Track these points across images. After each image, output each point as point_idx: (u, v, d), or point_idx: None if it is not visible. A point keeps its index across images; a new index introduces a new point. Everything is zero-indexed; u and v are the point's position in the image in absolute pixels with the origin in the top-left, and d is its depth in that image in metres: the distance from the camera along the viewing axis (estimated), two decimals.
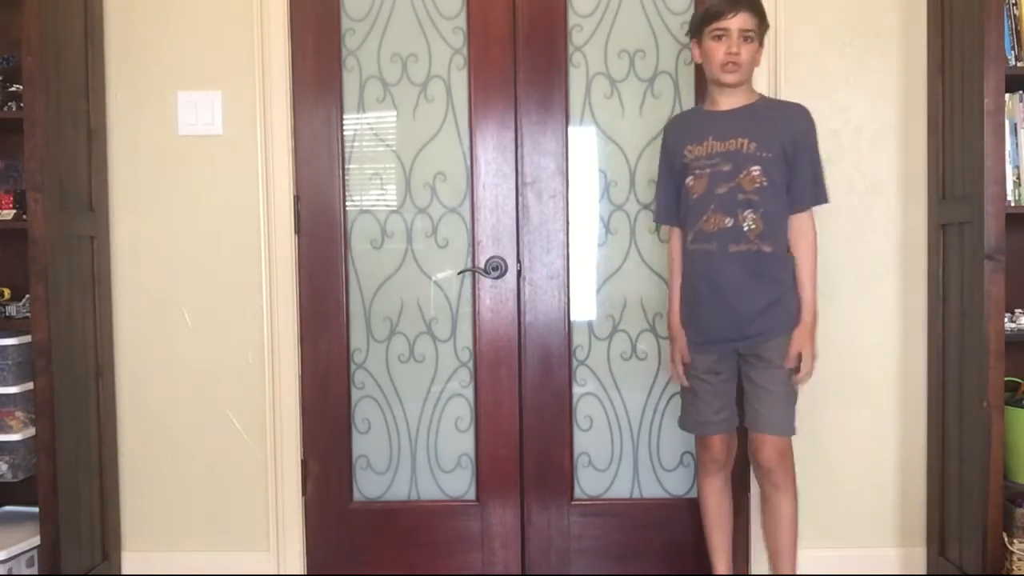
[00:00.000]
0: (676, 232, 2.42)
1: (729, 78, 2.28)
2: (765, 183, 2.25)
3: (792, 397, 2.33)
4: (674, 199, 2.39)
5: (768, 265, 2.28)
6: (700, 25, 2.30)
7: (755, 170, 2.25)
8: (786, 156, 2.28)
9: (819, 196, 2.33)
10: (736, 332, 2.30)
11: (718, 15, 2.25)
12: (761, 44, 2.31)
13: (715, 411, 2.36)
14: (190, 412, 2.74)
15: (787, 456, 2.34)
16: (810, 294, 2.32)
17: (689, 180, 2.31)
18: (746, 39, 2.25)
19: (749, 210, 2.25)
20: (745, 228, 2.25)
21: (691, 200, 2.31)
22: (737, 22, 2.24)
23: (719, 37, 2.26)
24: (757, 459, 2.33)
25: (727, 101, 2.33)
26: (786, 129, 2.29)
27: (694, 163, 2.31)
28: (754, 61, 2.31)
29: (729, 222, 2.26)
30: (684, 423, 2.46)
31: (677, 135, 2.40)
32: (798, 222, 2.31)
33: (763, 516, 2.44)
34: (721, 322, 2.31)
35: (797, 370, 2.31)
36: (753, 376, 2.31)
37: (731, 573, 2.48)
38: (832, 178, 2.64)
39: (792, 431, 2.32)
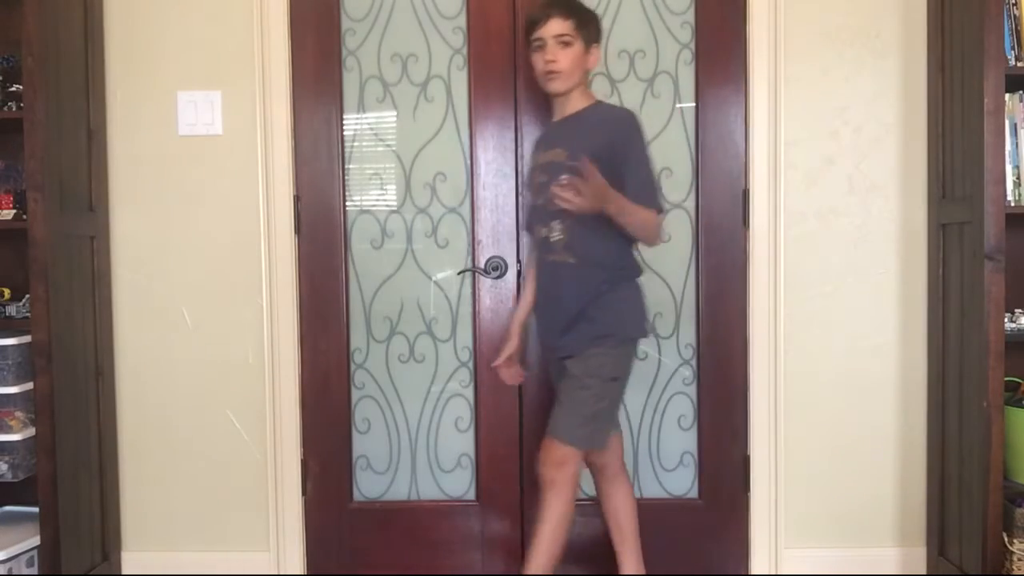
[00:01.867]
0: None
1: (552, 86, 2.26)
2: None
3: (581, 413, 2.21)
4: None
5: (572, 278, 2.24)
6: (526, 36, 2.30)
7: (564, 180, 2.15)
8: (605, 163, 2.11)
9: (649, 203, 2.21)
10: (549, 340, 2.34)
11: (533, 25, 2.24)
12: (588, 46, 2.25)
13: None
14: (190, 412, 2.74)
15: (555, 459, 2.21)
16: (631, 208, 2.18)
17: (530, 190, 2.39)
18: (564, 44, 2.21)
19: (556, 221, 2.24)
20: (553, 239, 2.26)
21: (532, 209, 2.40)
22: (550, 29, 2.21)
23: (539, 47, 2.24)
24: (539, 468, 2.25)
25: (561, 110, 2.32)
26: (602, 137, 2.21)
27: (532, 173, 2.37)
28: (580, 66, 2.25)
29: (544, 231, 2.28)
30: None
31: (535, 144, 2.45)
32: None
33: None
34: (544, 328, 2.36)
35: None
36: (556, 385, 2.34)
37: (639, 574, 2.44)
38: (832, 178, 2.66)
39: (567, 437, 2.20)
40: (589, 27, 2.26)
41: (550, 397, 2.73)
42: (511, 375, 2.47)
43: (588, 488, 2.78)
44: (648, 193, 2.23)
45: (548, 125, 2.40)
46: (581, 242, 2.24)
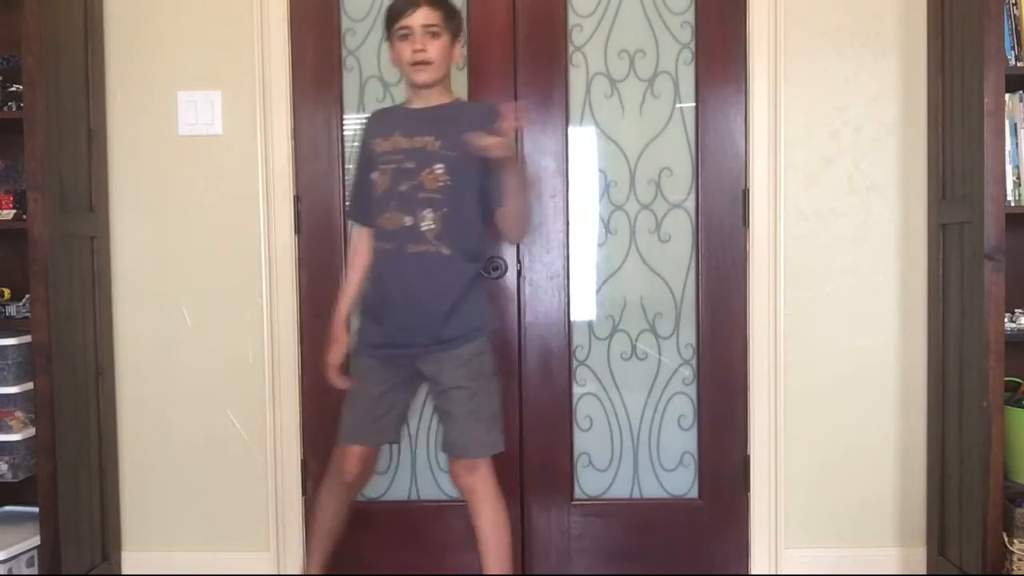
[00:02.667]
0: (359, 232, 2.33)
1: (419, 77, 2.19)
2: (448, 182, 2.16)
3: (476, 417, 2.20)
4: (368, 197, 2.27)
5: (445, 269, 2.18)
6: (387, 26, 2.23)
7: (438, 168, 2.16)
8: (475, 157, 2.11)
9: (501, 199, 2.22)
10: (403, 339, 2.20)
11: (399, 13, 2.18)
12: (455, 40, 2.23)
13: (372, 420, 2.26)
14: (190, 412, 2.74)
15: (477, 474, 2.22)
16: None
17: (374, 175, 2.23)
18: (432, 35, 2.17)
19: (429, 209, 2.16)
20: (423, 228, 2.15)
21: (374, 196, 2.22)
22: (419, 18, 2.16)
23: (405, 36, 2.18)
24: (456, 484, 2.27)
25: (420, 100, 2.25)
26: (474, 129, 2.14)
27: (380, 158, 2.22)
28: (448, 58, 2.22)
29: (409, 220, 2.16)
30: (340, 427, 2.29)
31: (372, 129, 2.31)
32: (501, 213, 2.23)
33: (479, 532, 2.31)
34: (395, 326, 2.21)
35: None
36: (437, 402, 2.26)
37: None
38: (832, 178, 2.66)
39: (482, 452, 2.21)
40: (454, 20, 2.23)
41: (550, 397, 2.74)
42: (342, 378, 2.32)
43: (589, 488, 2.78)
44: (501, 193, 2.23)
45: (401, 111, 2.29)
46: (455, 232, 2.17)
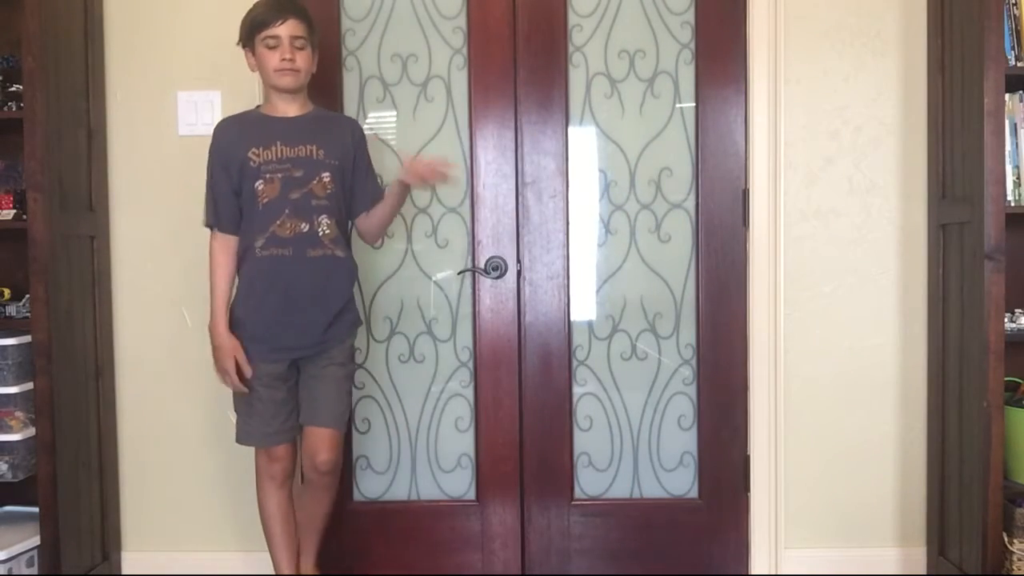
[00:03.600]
0: (228, 239, 2.32)
1: (285, 81, 2.27)
2: (333, 189, 2.30)
3: (349, 394, 2.42)
4: (234, 203, 2.31)
5: (339, 271, 2.33)
6: (250, 34, 2.29)
7: (325, 176, 2.29)
8: (348, 165, 2.34)
9: (378, 194, 2.41)
10: (308, 339, 2.31)
11: (265, 23, 2.25)
12: (315, 51, 2.33)
13: (283, 420, 2.33)
14: (190, 412, 2.74)
15: (336, 450, 2.36)
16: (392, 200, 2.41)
17: (259, 185, 2.27)
18: (299, 47, 2.27)
19: (324, 215, 2.28)
20: (320, 233, 2.28)
21: (261, 204, 2.27)
22: (287, 29, 2.25)
23: (272, 46, 2.26)
24: (314, 459, 2.33)
25: (288, 108, 2.33)
26: (346, 139, 2.36)
27: (264, 167, 2.27)
28: (310, 68, 2.32)
29: (306, 227, 2.27)
30: (247, 435, 2.35)
31: (235, 138, 2.32)
32: (364, 216, 2.40)
33: (301, 509, 2.44)
34: (294, 329, 2.29)
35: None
36: (312, 372, 2.33)
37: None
38: (832, 178, 2.67)
39: (343, 425, 2.37)
40: (316, 34, 2.33)
41: (550, 397, 2.74)
42: (237, 383, 2.31)
43: (588, 488, 2.78)
44: (378, 185, 2.45)
45: (266, 119, 2.33)
46: (342, 236, 2.35)
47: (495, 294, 2.73)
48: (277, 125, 2.31)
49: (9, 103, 2.49)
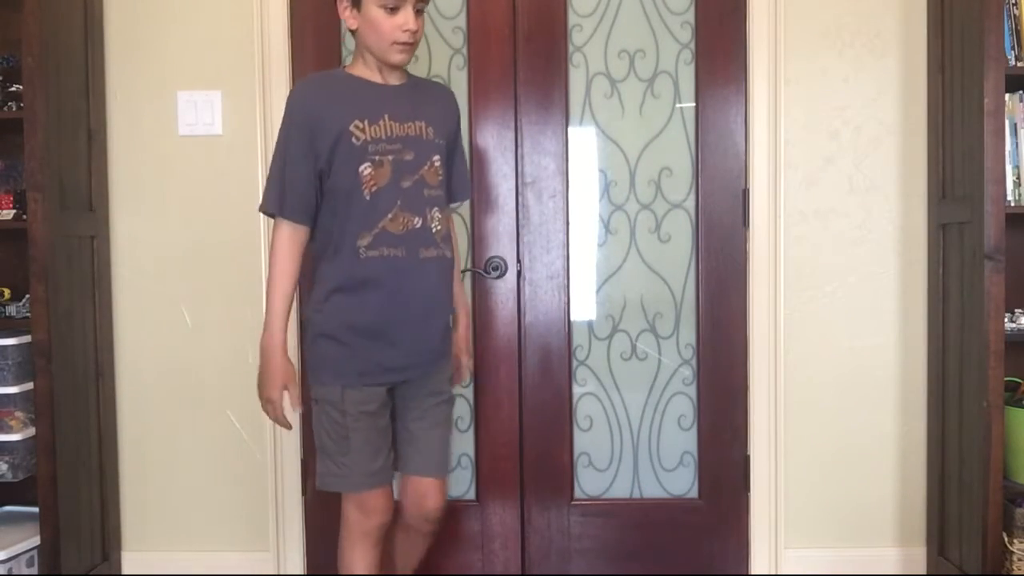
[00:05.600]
0: (298, 231, 1.91)
1: (402, 58, 1.88)
2: (442, 176, 1.94)
3: (450, 431, 2.06)
4: (313, 190, 1.88)
5: (450, 273, 1.98)
6: None
7: (436, 160, 1.91)
8: (448, 146, 1.98)
9: (466, 194, 2.10)
10: (417, 358, 1.93)
11: None
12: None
13: (385, 457, 1.94)
14: (190, 412, 2.74)
15: (444, 498, 2.03)
16: (464, 297, 2.08)
17: (365, 168, 1.84)
18: (418, 12, 1.87)
19: (436, 208, 1.90)
20: (433, 229, 1.89)
21: (367, 194, 1.84)
22: None
23: (394, 9, 1.83)
24: (423, 509, 2.00)
25: (392, 75, 1.93)
26: (449, 114, 2.00)
27: (371, 146, 1.84)
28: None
29: (418, 222, 1.87)
30: (342, 479, 1.92)
31: (329, 104, 1.87)
32: (451, 217, 2.07)
33: (402, 556, 2.12)
34: (404, 347, 1.90)
35: (459, 377, 2.09)
36: (418, 413, 1.97)
37: None
38: (832, 178, 2.67)
39: (448, 472, 2.10)
40: None
41: (550, 397, 2.74)
42: (281, 414, 1.92)
43: (588, 488, 2.78)
44: (468, 183, 2.14)
45: (368, 86, 1.92)
46: (450, 234, 2.00)
47: (495, 294, 2.73)
48: (384, 94, 1.89)
49: (9, 103, 2.49)
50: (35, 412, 2.43)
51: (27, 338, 2.46)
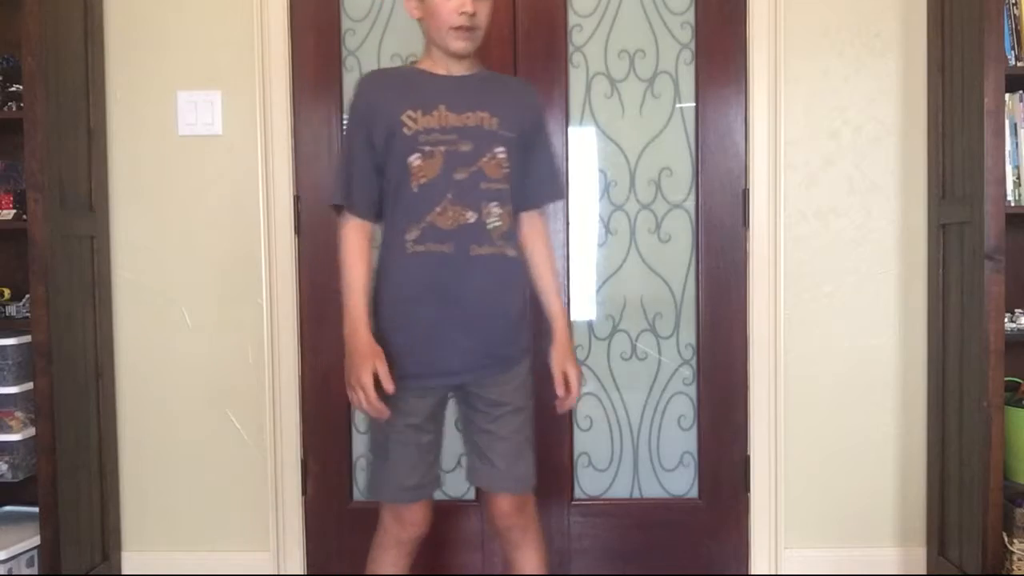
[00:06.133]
0: (364, 225, 1.87)
1: (463, 45, 1.81)
2: (508, 170, 1.83)
3: (530, 443, 1.93)
4: (374, 183, 1.84)
5: (512, 274, 1.87)
6: None
7: (500, 152, 1.81)
8: (523, 141, 1.87)
9: (559, 191, 2.02)
10: (469, 362, 1.83)
11: None
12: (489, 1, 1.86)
13: (425, 471, 1.89)
14: (190, 412, 2.74)
15: (526, 510, 1.93)
16: (560, 305, 1.93)
17: (414, 159, 1.78)
18: None
19: (495, 203, 1.80)
20: (489, 226, 1.80)
21: (415, 186, 1.79)
22: None
23: None
24: (493, 520, 1.94)
25: (456, 66, 1.86)
26: (524, 107, 1.91)
27: (422, 136, 1.78)
28: (488, 24, 1.84)
29: (472, 216, 1.79)
30: (377, 488, 1.90)
31: (386, 95, 1.84)
32: (533, 220, 1.94)
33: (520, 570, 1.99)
34: (453, 350, 1.82)
35: (565, 391, 1.92)
36: (484, 424, 1.89)
37: None
38: (832, 178, 2.66)
39: (532, 484, 1.94)
40: None
41: (550, 398, 2.73)
42: (382, 406, 1.78)
43: (589, 488, 2.78)
44: (560, 180, 2.04)
45: (427, 77, 1.87)
46: (514, 232, 1.87)
47: None
48: (443, 84, 1.83)
49: (9, 103, 2.49)
50: (35, 412, 2.43)
51: (27, 338, 2.46)
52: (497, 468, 1.89)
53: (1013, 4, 2.37)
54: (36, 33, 2.35)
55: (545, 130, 1.98)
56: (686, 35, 2.71)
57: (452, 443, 2.80)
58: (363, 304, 1.81)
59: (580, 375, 1.92)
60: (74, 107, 2.55)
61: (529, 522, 1.94)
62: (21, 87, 2.40)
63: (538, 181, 1.93)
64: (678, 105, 2.73)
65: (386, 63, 2.73)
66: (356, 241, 1.84)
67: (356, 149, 1.84)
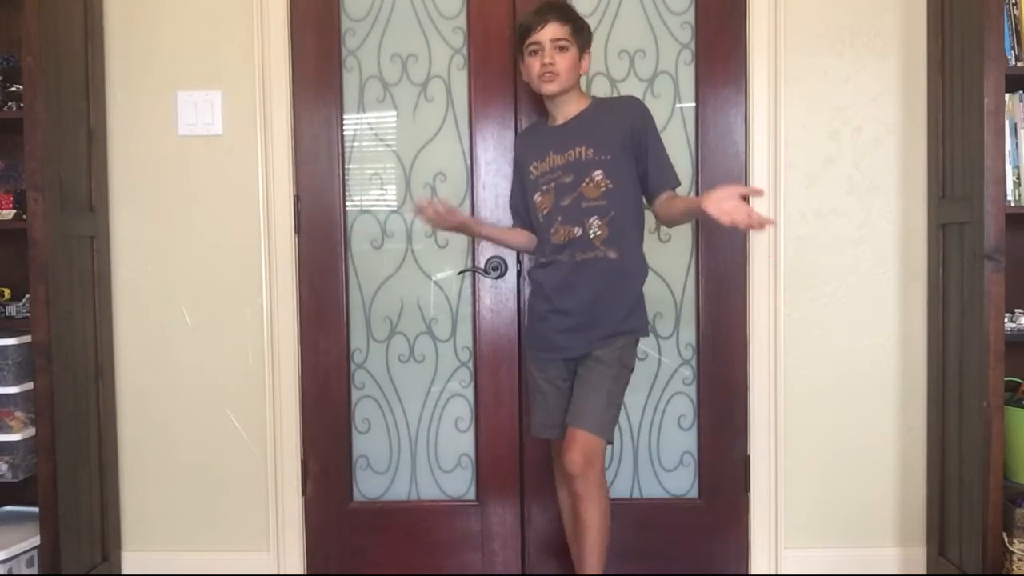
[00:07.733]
0: (526, 230, 2.46)
1: (548, 87, 2.27)
2: (611, 186, 2.25)
3: (613, 400, 2.26)
4: (525, 207, 2.42)
5: (614, 273, 2.27)
6: (519, 43, 2.32)
7: (597, 175, 2.26)
8: (629, 152, 2.28)
9: (672, 180, 2.33)
10: (583, 342, 2.27)
11: (528, 30, 2.27)
12: (583, 51, 2.31)
13: (551, 416, 2.36)
14: (190, 412, 2.74)
15: (593, 462, 2.22)
16: (691, 197, 2.48)
17: (537, 197, 2.33)
18: (560, 48, 2.25)
19: (595, 216, 2.25)
20: (591, 235, 2.25)
21: (541, 217, 2.32)
22: (547, 33, 2.24)
23: (535, 52, 2.27)
24: (564, 458, 2.24)
25: (562, 113, 2.33)
26: (621, 125, 2.29)
27: (540, 179, 2.32)
28: (576, 69, 2.29)
29: (578, 231, 2.26)
30: (532, 425, 2.45)
31: (524, 152, 2.42)
32: (663, 199, 2.31)
33: (569, 522, 2.42)
34: (560, 333, 2.30)
35: (742, 218, 2.07)
36: (580, 371, 2.30)
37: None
38: (832, 178, 2.67)
39: (604, 434, 2.23)
40: (583, 34, 2.31)
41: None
42: (440, 216, 2.32)
43: None
44: (670, 171, 2.33)
45: (545, 130, 2.37)
46: (621, 236, 2.27)
47: (495, 294, 2.73)
48: (552, 134, 2.34)
49: (9, 103, 2.49)
50: (35, 412, 2.43)
51: (27, 338, 2.46)
52: (574, 406, 2.27)
53: (1013, 4, 2.37)
54: (36, 33, 2.35)
55: (653, 133, 2.32)
56: (686, 35, 2.71)
57: (451, 444, 2.81)
58: (499, 230, 2.54)
59: (735, 205, 2.07)
60: (74, 107, 2.55)
61: (593, 477, 2.23)
62: (21, 87, 2.40)
63: (657, 174, 2.31)
64: (678, 105, 2.73)
65: (386, 63, 2.73)
66: (522, 232, 2.48)
67: (515, 185, 2.50)
